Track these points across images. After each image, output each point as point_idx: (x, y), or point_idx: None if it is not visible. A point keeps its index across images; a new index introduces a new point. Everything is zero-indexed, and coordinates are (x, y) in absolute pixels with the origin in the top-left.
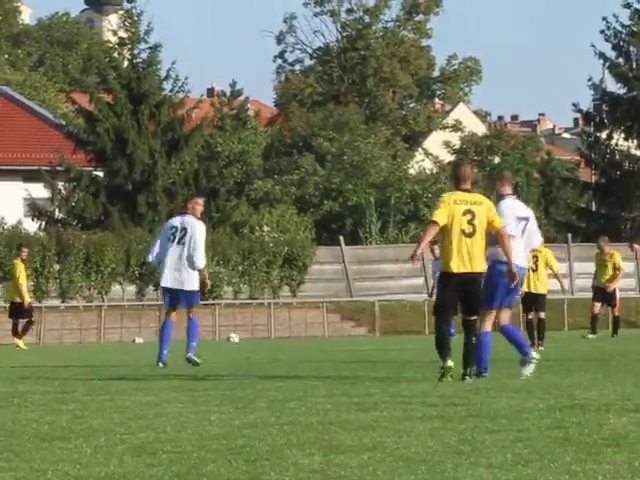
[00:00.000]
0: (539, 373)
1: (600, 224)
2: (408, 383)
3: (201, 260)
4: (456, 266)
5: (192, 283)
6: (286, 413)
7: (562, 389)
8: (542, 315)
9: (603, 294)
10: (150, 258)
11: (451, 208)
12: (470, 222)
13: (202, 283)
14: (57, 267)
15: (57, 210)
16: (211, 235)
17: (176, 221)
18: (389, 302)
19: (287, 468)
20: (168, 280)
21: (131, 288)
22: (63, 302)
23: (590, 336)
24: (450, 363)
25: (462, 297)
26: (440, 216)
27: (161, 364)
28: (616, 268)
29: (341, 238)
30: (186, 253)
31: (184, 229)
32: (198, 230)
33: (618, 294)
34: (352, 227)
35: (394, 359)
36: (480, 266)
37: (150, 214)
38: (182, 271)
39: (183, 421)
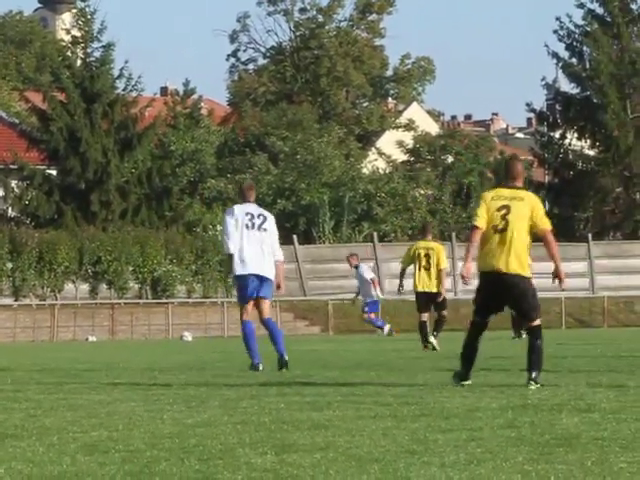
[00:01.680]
0: (492, 373)
1: (553, 224)
2: (361, 382)
3: (281, 251)
4: (487, 264)
5: (272, 271)
6: (239, 412)
7: (515, 389)
8: (444, 313)
9: None
10: (231, 249)
11: (488, 205)
12: (504, 217)
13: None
14: (10, 265)
15: (10, 208)
16: (164, 234)
17: (248, 207)
18: (342, 301)
19: (240, 467)
20: (249, 266)
21: (84, 287)
22: (16, 300)
23: (517, 339)
24: (468, 382)
25: (509, 302)
26: (480, 220)
27: (261, 366)
28: None
29: (294, 237)
30: (269, 241)
31: (262, 215)
32: (273, 219)
33: None
34: (305, 226)
35: (347, 358)
36: (516, 266)
37: (103, 212)
38: (264, 257)
39: (135, 420)
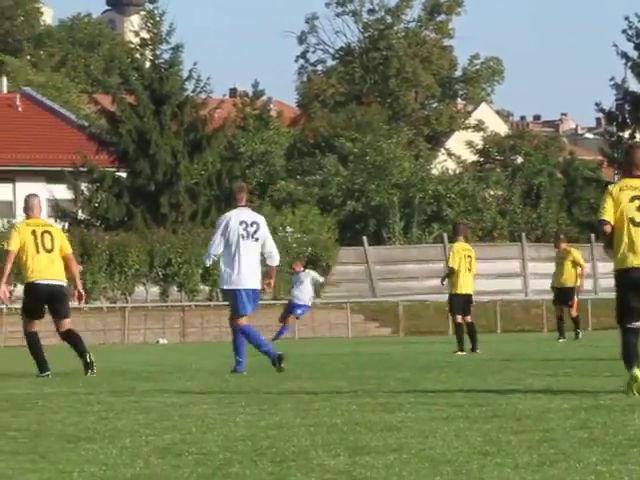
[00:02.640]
0: (560, 375)
1: None
2: (433, 384)
3: (278, 257)
4: (625, 262)
5: (260, 281)
6: (311, 414)
7: (586, 390)
8: (469, 319)
9: (560, 294)
10: (209, 262)
11: (616, 197)
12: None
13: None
14: (80, 268)
15: (80, 211)
16: None
17: (242, 215)
18: (413, 302)
19: (313, 469)
20: (249, 280)
21: (155, 289)
22: (87, 303)
23: (560, 340)
24: (637, 372)
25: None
26: (607, 213)
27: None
28: (576, 266)
29: (364, 238)
30: (262, 249)
31: (255, 223)
32: (265, 223)
33: (576, 295)
34: (375, 227)
35: (418, 359)
36: None
37: (173, 214)
38: (257, 269)
39: (208, 422)
